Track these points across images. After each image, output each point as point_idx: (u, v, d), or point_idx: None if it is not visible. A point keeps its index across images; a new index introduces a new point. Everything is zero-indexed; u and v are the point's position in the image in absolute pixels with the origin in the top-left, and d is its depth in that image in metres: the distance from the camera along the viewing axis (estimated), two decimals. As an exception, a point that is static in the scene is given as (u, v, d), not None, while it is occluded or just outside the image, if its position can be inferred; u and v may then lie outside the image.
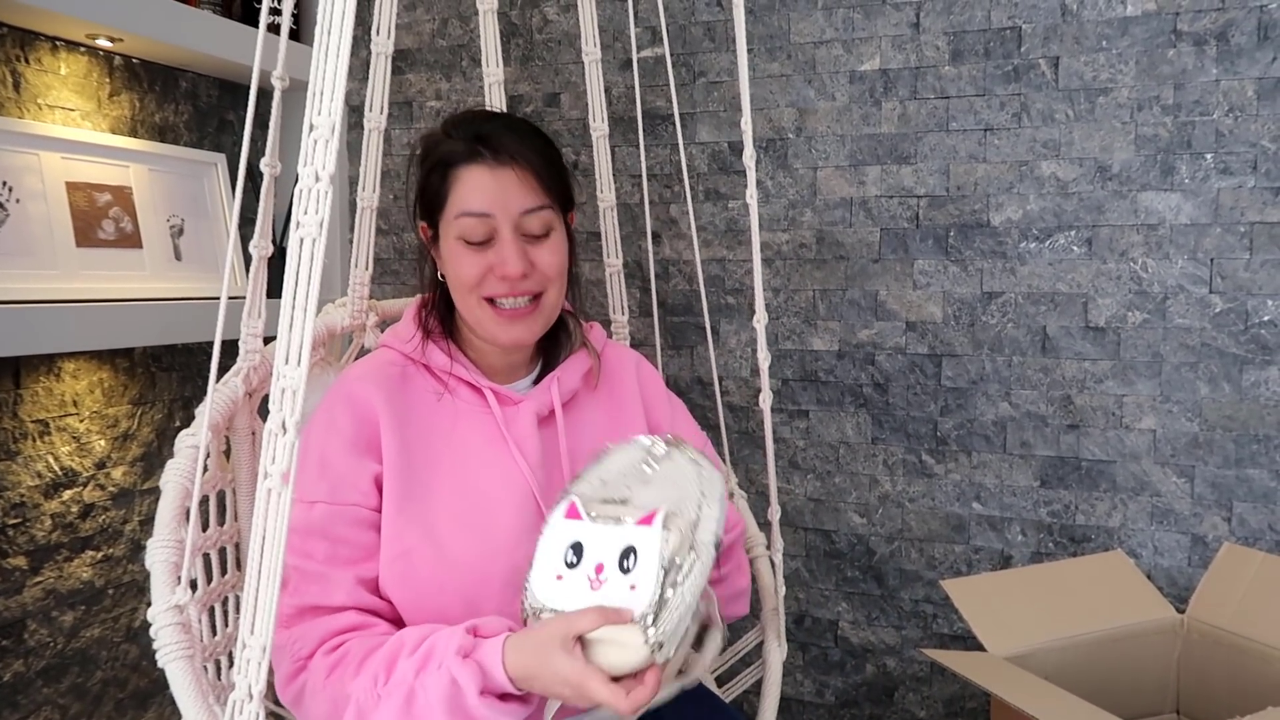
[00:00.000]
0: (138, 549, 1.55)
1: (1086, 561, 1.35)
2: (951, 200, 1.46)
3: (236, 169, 0.96)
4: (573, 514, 0.84)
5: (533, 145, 0.99)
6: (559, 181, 1.01)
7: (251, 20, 1.66)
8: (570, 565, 0.82)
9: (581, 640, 0.79)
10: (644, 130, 1.62)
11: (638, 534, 0.80)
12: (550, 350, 1.09)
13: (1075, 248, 1.41)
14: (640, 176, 1.62)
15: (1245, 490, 1.35)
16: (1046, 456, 1.44)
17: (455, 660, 0.81)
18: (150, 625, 0.93)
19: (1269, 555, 1.26)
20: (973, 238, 1.45)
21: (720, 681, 1.22)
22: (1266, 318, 1.32)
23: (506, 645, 0.82)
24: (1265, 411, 1.33)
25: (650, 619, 0.77)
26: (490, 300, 0.98)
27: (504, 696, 0.82)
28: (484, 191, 0.96)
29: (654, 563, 0.79)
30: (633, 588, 0.79)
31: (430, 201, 1.01)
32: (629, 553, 0.80)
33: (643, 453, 0.89)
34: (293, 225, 0.76)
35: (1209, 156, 1.34)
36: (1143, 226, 1.37)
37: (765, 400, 1.12)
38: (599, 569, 0.81)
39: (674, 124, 1.60)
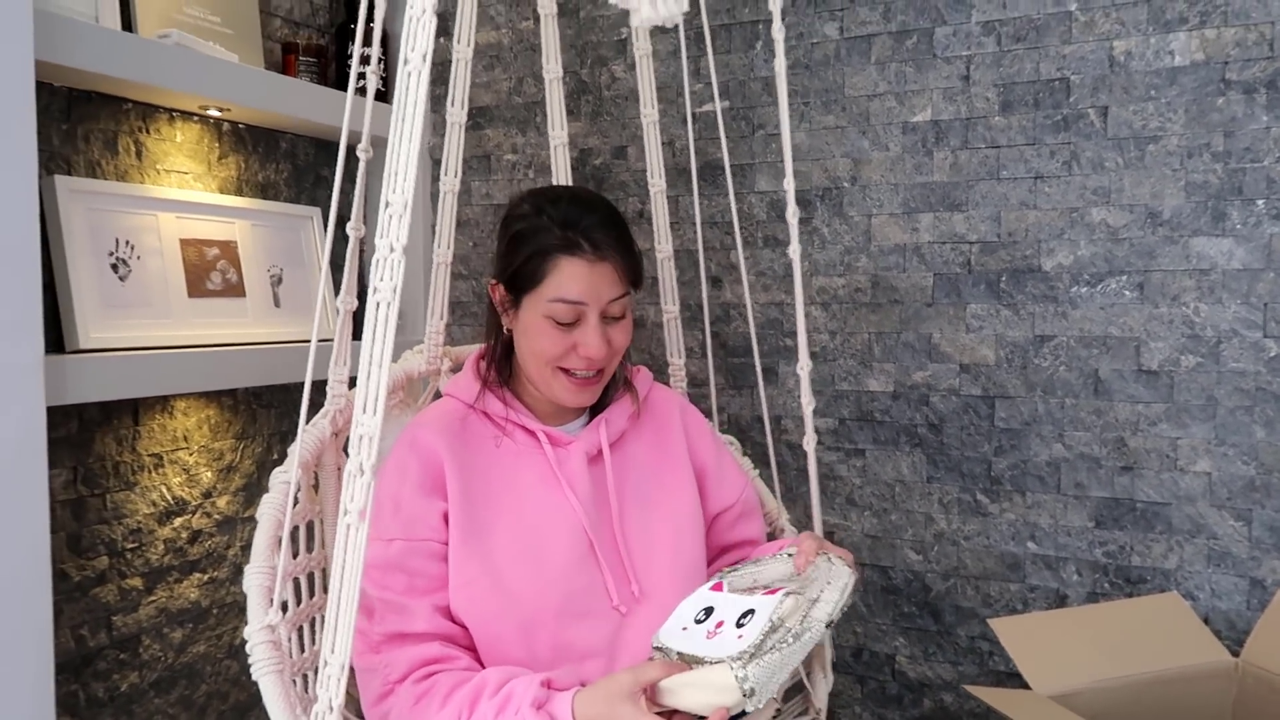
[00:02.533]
0: (239, 572, 1.69)
1: (1140, 603, 1.36)
2: (1003, 246, 1.50)
3: (330, 222, 1.08)
4: (716, 589, 0.98)
5: (622, 240, 1.08)
6: (638, 269, 1.10)
7: (344, 86, 1.80)
8: (698, 622, 0.94)
9: (663, 689, 0.89)
10: (707, 180, 1.70)
11: (760, 600, 0.92)
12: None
13: (1127, 292, 1.43)
14: (701, 225, 1.70)
15: (1304, 534, 1.34)
16: (1101, 498, 1.46)
17: (529, 711, 0.90)
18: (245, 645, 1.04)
19: (1326, 601, 1.25)
20: (1024, 282, 1.49)
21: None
22: (1322, 362, 1.32)
23: (576, 699, 0.91)
24: (1323, 456, 1.33)
25: (744, 661, 0.86)
26: (565, 371, 1.08)
27: None
28: (581, 283, 1.04)
29: (764, 618, 0.89)
30: (740, 638, 0.89)
31: (522, 279, 1.07)
32: (748, 614, 0.91)
33: (792, 571, 1.02)
34: (370, 290, 0.86)
35: (1260, 203, 1.35)
36: (1194, 271, 1.39)
37: (810, 442, 1.19)
38: (719, 625, 0.92)
39: (732, 175, 1.68)
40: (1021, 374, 1.50)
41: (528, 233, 1.07)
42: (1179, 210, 1.40)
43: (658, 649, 0.94)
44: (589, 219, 1.06)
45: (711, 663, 0.88)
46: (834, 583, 0.96)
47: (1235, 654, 1.30)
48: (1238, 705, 1.29)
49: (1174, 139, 1.40)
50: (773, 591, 0.93)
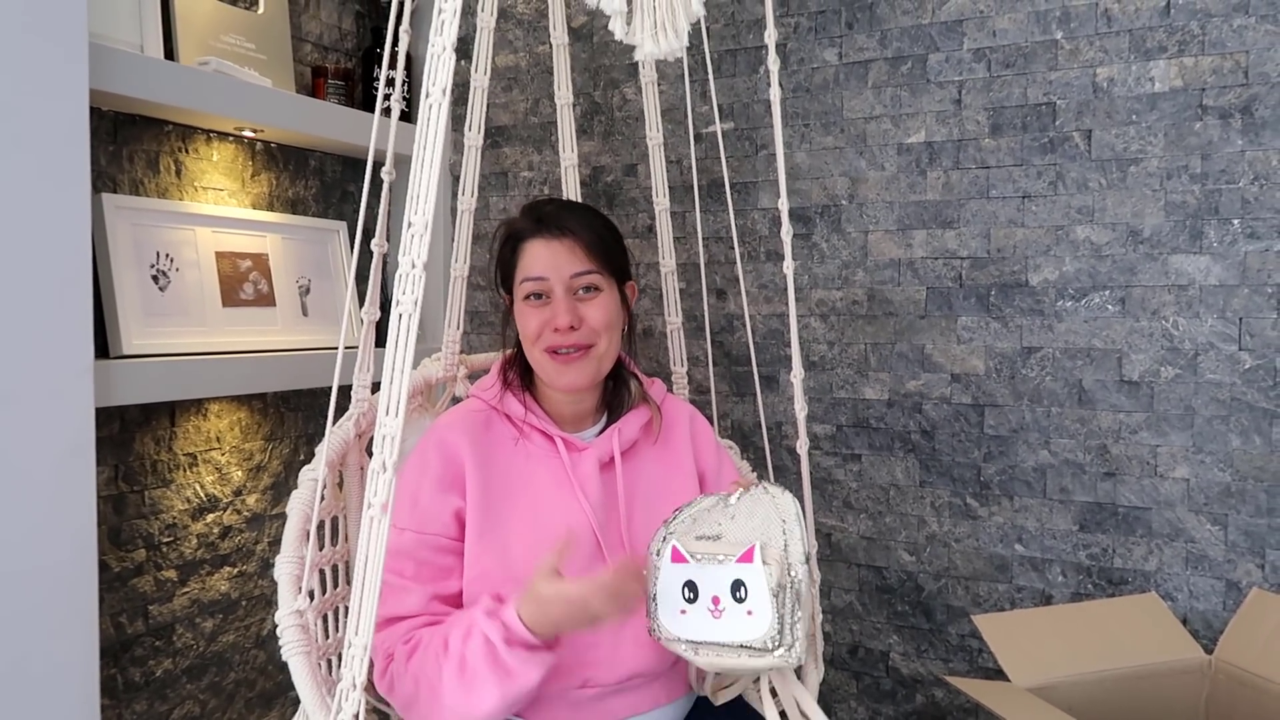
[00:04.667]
0: (267, 566, 1.78)
1: (1119, 602, 1.43)
2: (992, 262, 1.58)
3: (355, 235, 1.19)
4: (678, 558, 1.04)
5: (583, 221, 1.19)
6: (608, 251, 1.19)
7: (369, 107, 1.90)
8: (689, 600, 1.02)
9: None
10: (712, 197, 1.79)
11: (742, 570, 1.00)
12: (614, 404, 1.26)
13: (1109, 306, 1.50)
14: (709, 240, 1.78)
15: (1277, 539, 1.41)
16: (1085, 502, 1.53)
17: (483, 619, 1.00)
18: (276, 634, 1.13)
19: (1294, 601, 1.32)
20: (1012, 296, 1.56)
21: (763, 699, 1.35)
22: (1294, 374, 1.39)
23: (520, 602, 1.00)
24: (1295, 463, 1.39)
25: (778, 640, 0.97)
26: (551, 351, 1.17)
27: (530, 647, 0.99)
28: (540, 259, 1.17)
29: (765, 594, 0.98)
30: (750, 613, 0.99)
31: (505, 271, 1.23)
32: (739, 585, 0.99)
33: (722, 499, 1.09)
34: (394, 303, 0.95)
35: (1236, 222, 1.42)
36: (1173, 287, 1.46)
37: (802, 446, 1.27)
38: (716, 601, 1.00)
39: (736, 192, 1.76)
40: (1010, 384, 1.57)
41: (505, 231, 1.23)
42: (1159, 229, 1.47)
43: (668, 638, 1.02)
44: (552, 206, 1.22)
45: (753, 649, 0.98)
46: (788, 518, 1.03)
47: (1209, 652, 1.37)
48: (1210, 700, 1.35)
49: (1154, 161, 1.47)
50: (746, 556, 0.99)
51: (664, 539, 1.07)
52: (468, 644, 1.00)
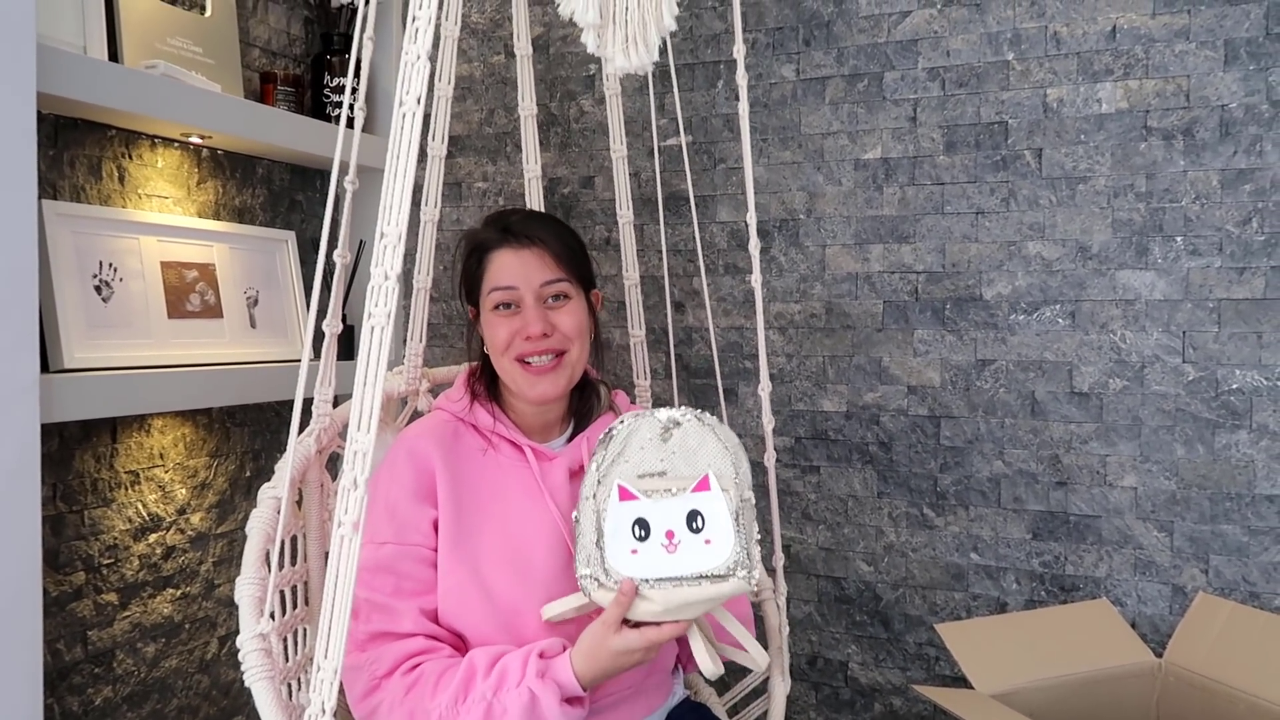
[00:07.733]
0: (211, 588, 1.72)
1: (1072, 609, 1.47)
2: (947, 276, 1.61)
3: (304, 245, 1.15)
4: (627, 496, 1.00)
5: (549, 230, 1.19)
6: (575, 260, 1.19)
7: (319, 114, 1.86)
8: (640, 539, 0.98)
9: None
10: (670, 210, 1.79)
11: (698, 499, 0.97)
12: (581, 413, 1.26)
13: (1060, 320, 1.54)
14: (665, 253, 1.78)
15: (1220, 544, 1.46)
16: (1037, 511, 1.56)
17: (535, 681, 0.98)
18: (221, 658, 1.09)
19: (1238, 605, 1.37)
20: (967, 310, 1.60)
21: (731, 713, 1.35)
22: (1235, 385, 1.45)
23: (573, 660, 1.00)
24: (1236, 472, 1.45)
25: (742, 563, 0.95)
26: (521, 361, 1.15)
27: (573, 700, 1.00)
28: (509, 268, 1.16)
29: (726, 519, 0.96)
30: (708, 542, 0.96)
31: (470, 283, 1.21)
32: (694, 515, 0.96)
33: (660, 426, 1.04)
34: (365, 315, 0.93)
35: (1179, 239, 1.47)
36: (1121, 301, 1.51)
37: (770, 459, 1.27)
38: (670, 535, 0.97)
39: (696, 205, 1.77)
40: (964, 395, 1.60)
41: (470, 242, 1.21)
42: (1106, 245, 1.52)
43: (616, 581, 0.97)
44: (517, 216, 1.21)
45: (715, 575, 0.95)
46: (733, 449, 1.01)
47: (1159, 655, 1.41)
48: (1161, 701, 1.39)
49: (1101, 179, 1.52)
50: (702, 485, 0.97)
51: (599, 480, 1.01)
52: (501, 695, 0.99)
